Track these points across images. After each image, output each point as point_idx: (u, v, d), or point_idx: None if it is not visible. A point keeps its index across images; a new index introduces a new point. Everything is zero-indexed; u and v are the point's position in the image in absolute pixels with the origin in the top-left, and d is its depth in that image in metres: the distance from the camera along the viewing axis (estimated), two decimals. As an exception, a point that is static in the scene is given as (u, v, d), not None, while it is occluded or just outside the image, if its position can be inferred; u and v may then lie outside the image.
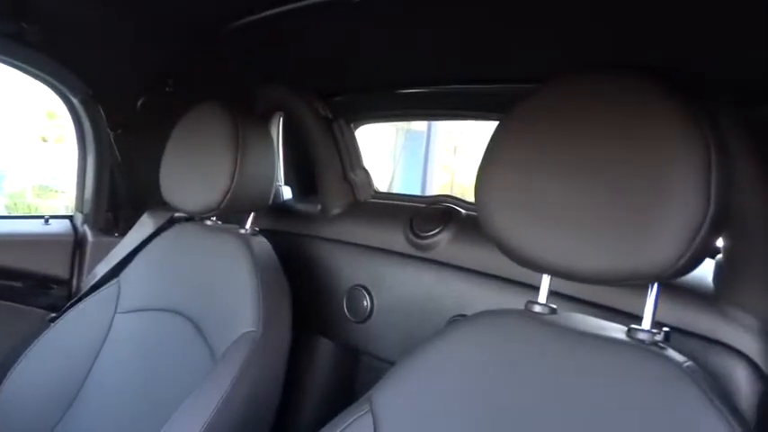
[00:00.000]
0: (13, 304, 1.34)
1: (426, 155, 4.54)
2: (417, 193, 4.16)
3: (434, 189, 4.48)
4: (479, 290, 1.02)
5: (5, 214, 3.82)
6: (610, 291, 0.82)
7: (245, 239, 1.11)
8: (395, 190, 1.66)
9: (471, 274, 1.04)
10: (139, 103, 1.34)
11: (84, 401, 1.16)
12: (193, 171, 1.14)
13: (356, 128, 1.40)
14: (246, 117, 1.14)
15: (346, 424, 0.73)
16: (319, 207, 1.34)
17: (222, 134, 1.10)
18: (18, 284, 1.34)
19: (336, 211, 1.31)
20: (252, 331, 0.99)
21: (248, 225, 1.18)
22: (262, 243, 1.15)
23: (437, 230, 1.11)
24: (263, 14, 1.08)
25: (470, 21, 0.93)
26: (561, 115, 0.63)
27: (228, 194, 1.09)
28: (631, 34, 0.80)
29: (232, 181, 1.08)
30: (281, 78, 1.35)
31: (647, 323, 0.64)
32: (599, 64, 0.63)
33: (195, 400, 0.92)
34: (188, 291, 1.13)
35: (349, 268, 1.25)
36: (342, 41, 1.15)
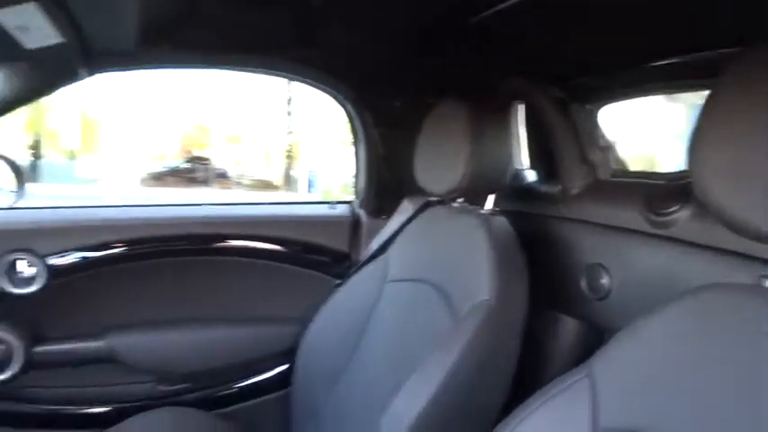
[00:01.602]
0: (312, 272, 1.67)
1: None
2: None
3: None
4: (720, 266, 0.95)
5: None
6: None
7: (484, 218, 1.22)
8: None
9: (711, 251, 0.97)
10: (398, 104, 1.56)
11: (362, 351, 1.38)
12: (437, 159, 1.29)
13: (598, 109, 1.40)
14: (483, 109, 1.24)
15: (565, 385, 0.78)
16: (559, 188, 1.38)
17: (459, 126, 1.22)
18: (314, 257, 1.67)
19: (575, 191, 1.33)
20: (486, 300, 1.07)
21: (488, 205, 1.30)
22: (500, 221, 1.24)
23: (676, 207, 1.06)
24: (503, 6, 1.13)
25: None
26: None
27: (465, 177, 1.21)
28: None
29: (468, 166, 1.20)
30: (521, 67, 1.42)
31: None
32: None
33: (434, 357, 1.04)
34: (437, 263, 1.27)
35: (588, 246, 1.26)
36: (580, 22, 1.16)
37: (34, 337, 1.42)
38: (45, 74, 1.25)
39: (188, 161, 13.05)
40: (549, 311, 1.33)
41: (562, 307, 1.33)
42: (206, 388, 1.59)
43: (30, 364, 1.40)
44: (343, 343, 1.41)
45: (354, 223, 1.72)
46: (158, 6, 1.15)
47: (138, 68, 1.46)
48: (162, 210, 1.64)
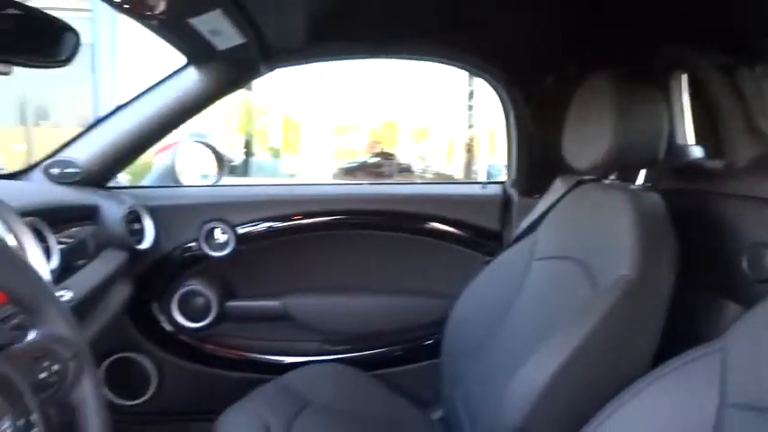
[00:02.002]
0: (464, 249, 1.75)
1: None
2: None
3: None
4: None
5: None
6: None
7: (632, 194, 1.17)
8: None
9: None
10: (548, 82, 1.55)
11: (508, 325, 1.40)
12: (584, 134, 1.26)
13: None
14: (634, 80, 1.19)
15: (699, 354, 0.77)
16: (723, 162, 1.27)
17: (606, 99, 1.18)
18: (467, 235, 1.75)
19: (740, 165, 1.22)
20: (626, 275, 1.04)
21: (638, 181, 1.25)
22: (650, 196, 1.18)
23: None
24: None
25: None
26: None
27: (611, 152, 1.17)
28: None
29: (614, 140, 1.16)
30: (686, 31, 1.33)
31: None
32: None
33: (567, 327, 1.06)
34: (583, 240, 1.25)
35: (752, 224, 1.15)
36: None
37: (226, 294, 1.70)
38: (234, 71, 1.50)
39: (375, 156, 13.83)
40: (706, 293, 1.24)
41: (720, 289, 1.23)
42: (365, 350, 1.76)
43: (222, 316, 1.68)
44: (490, 317, 1.45)
45: (505, 203, 1.75)
46: (321, 2, 1.31)
47: (309, 62, 1.66)
48: (333, 188, 1.85)
